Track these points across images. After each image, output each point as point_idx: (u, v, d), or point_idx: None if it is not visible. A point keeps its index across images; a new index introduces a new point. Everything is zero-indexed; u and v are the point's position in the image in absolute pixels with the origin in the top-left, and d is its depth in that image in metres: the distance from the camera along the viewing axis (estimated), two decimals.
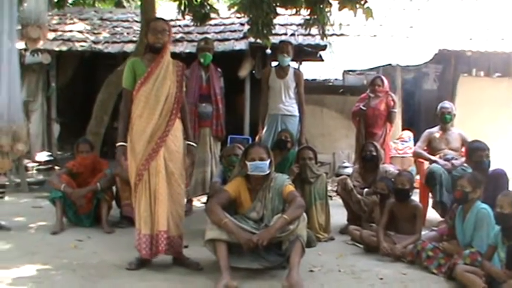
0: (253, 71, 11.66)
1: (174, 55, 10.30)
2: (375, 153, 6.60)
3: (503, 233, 4.27)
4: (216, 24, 12.54)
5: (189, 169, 7.16)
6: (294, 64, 8.29)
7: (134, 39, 11.64)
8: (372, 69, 11.86)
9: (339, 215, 6.77)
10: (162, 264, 4.88)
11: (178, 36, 12.07)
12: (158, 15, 9.59)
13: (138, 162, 4.68)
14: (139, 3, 11.53)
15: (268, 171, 4.79)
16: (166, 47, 4.88)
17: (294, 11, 8.87)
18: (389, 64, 11.28)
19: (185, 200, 7.24)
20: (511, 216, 4.19)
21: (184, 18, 9.19)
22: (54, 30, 12.36)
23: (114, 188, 6.68)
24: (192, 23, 9.12)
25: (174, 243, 4.80)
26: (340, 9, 7.34)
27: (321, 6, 7.75)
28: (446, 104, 7.46)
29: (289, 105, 7.26)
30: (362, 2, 7.20)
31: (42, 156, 11.02)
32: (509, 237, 4.21)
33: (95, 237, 6.06)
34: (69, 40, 11.94)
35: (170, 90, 4.79)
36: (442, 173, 6.59)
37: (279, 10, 8.66)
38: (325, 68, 13.46)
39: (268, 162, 4.79)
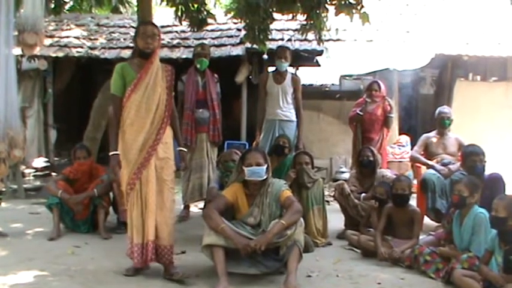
0: (250, 77, 11.67)
1: (171, 61, 10.39)
2: (371, 159, 6.59)
3: (500, 237, 4.27)
4: (212, 30, 12.56)
5: (186, 175, 7.20)
6: (290, 69, 8.29)
7: (131, 45, 11.62)
8: (368, 74, 11.88)
9: (336, 220, 6.77)
10: (159, 269, 4.85)
11: (175, 42, 12.11)
12: (155, 20, 9.60)
13: (130, 171, 4.60)
14: (136, 9, 11.53)
15: (265, 177, 4.80)
16: (156, 52, 4.75)
17: (290, 16, 8.88)
18: (386, 69, 11.30)
19: (181, 205, 7.29)
20: (506, 220, 4.19)
21: (181, 24, 9.19)
22: (51, 36, 12.37)
23: (111, 193, 6.67)
24: (188, 29, 9.13)
25: (166, 253, 4.70)
26: (336, 14, 7.35)
27: (318, 11, 7.76)
28: (446, 109, 7.49)
29: (287, 111, 7.23)
30: (358, 7, 7.21)
31: (39, 162, 11.01)
32: (505, 241, 4.21)
33: (92, 243, 6.06)
34: (65, 46, 11.95)
35: (161, 97, 4.68)
36: (435, 180, 6.62)
37: (276, 15, 8.66)
38: (322, 73, 13.49)
39: (265, 167, 4.79)
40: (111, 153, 4.66)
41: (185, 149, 5.14)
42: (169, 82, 4.80)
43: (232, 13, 8.48)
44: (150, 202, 4.59)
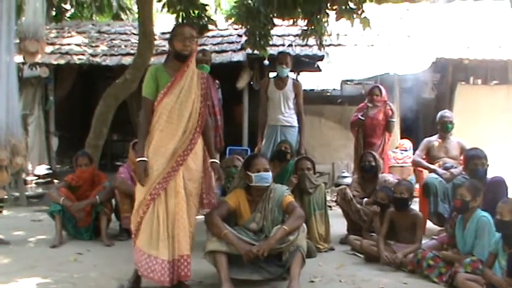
0: (251, 82, 11.69)
1: None
2: (373, 164, 6.59)
3: (504, 241, 4.26)
4: (213, 36, 12.59)
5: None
6: (291, 75, 8.30)
7: (132, 51, 11.66)
8: (369, 78, 11.89)
9: (338, 225, 6.77)
10: None
11: None
12: (156, 27, 9.61)
13: (154, 180, 4.31)
14: (137, 15, 11.56)
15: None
16: (193, 56, 4.52)
17: (291, 21, 8.88)
18: (387, 73, 11.31)
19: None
20: (511, 223, 4.18)
21: None
22: (52, 44, 12.40)
23: (113, 200, 6.66)
24: None
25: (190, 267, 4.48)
26: (337, 19, 7.35)
27: (318, 16, 7.77)
28: (447, 113, 7.49)
29: (289, 116, 7.25)
30: (359, 12, 7.21)
31: (41, 169, 11.01)
32: (510, 244, 4.20)
33: (95, 250, 6.05)
34: (67, 53, 11.99)
35: (194, 105, 4.44)
36: (437, 184, 6.62)
37: (276, 21, 8.67)
38: (323, 78, 13.50)
39: (270, 173, 4.81)
40: (138, 159, 4.39)
41: (217, 161, 4.89)
42: (204, 90, 4.56)
43: (233, 19, 8.49)
44: (181, 215, 4.33)
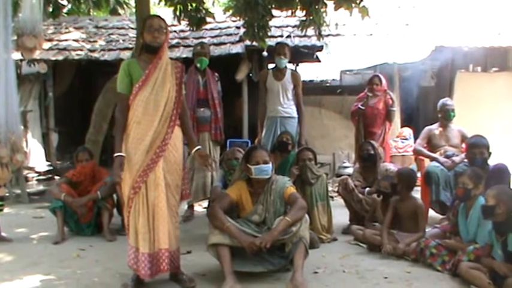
0: (250, 74, 11.67)
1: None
2: (372, 152, 6.59)
3: (495, 229, 4.26)
4: (211, 29, 12.57)
5: (189, 174, 7.16)
6: (290, 66, 8.28)
7: (130, 46, 11.65)
8: (369, 68, 11.88)
9: (341, 215, 6.77)
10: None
11: (174, 41, 12.09)
12: None
13: (135, 174, 4.31)
14: (134, 10, 11.52)
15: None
16: (164, 47, 4.47)
17: (289, 12, 8.86)
18: (386, 62, 11.30)
19: (186, 205, 7.29)
20: (494, 208, 4.17)
21: (180, 24, 9.18)
22: (50, 40, 12.39)
23: (115, 195, 6.65)
24: (187, 28, 9.12)
25: (174, 259, 4.50)
26: (335, 9, 7.33)
27: (317, 6, 7.73)
28: (449, 101, 7.49)
29: (288, 107, 7.24)
30: (358, 1, 7.18)
31: (42, 166, 10.99)
32: (500, 233, 4.21)
33: (97, 245, 6.05)
34: (65, 49, 11.97)
35: (170, 94, 4.40)
36: (439, 172, 6.60)
37: (274, 12, 8.65)
38: (322, 68, 13.49)
39: (271, 164, 4.79)
40: (115, 154, 4.36)
41: (200, 146, 4.83)
42: (179, 79, 4.53)
43: (231, 11, 8.45)
44: (161, 207, 4.30)
